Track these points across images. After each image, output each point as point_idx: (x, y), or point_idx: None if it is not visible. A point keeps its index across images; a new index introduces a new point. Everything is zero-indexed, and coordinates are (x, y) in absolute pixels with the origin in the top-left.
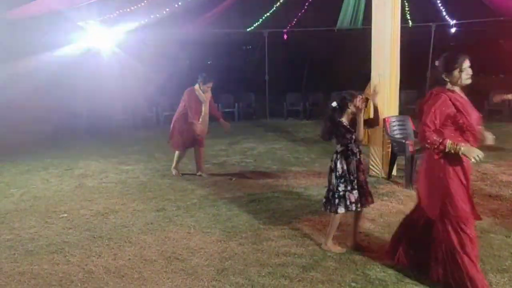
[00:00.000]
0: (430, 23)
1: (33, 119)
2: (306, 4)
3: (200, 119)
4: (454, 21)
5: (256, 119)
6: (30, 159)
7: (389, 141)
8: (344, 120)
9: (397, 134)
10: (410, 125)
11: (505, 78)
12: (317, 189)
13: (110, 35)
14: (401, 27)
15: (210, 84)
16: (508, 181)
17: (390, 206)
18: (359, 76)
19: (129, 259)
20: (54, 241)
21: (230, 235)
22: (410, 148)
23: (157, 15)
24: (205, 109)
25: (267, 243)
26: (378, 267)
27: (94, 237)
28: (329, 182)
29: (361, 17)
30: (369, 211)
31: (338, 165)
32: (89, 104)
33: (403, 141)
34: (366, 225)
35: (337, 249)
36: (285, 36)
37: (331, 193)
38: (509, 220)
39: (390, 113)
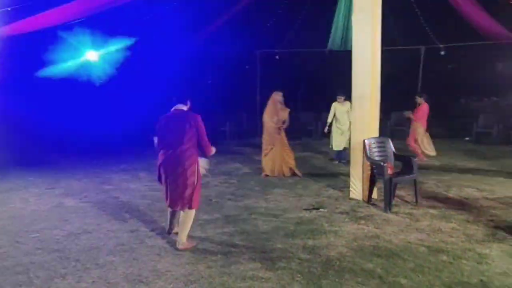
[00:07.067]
0: (420, 46)
1: (22, 135)
2: (297, 24)
3: None
4: (443, 45)
5: (246, 138)
6: (12, 177)
7: (369, 163)
8: None
9: (376, 156)
10: (391, 147)
11: (498, 101)
12: (295, 212)
13: (103, 53)
14: (389, 50)
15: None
16: (488, 206)
17: (366, 230)
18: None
19: (93, 282)
20: (21, 261)
21: (200, 257)
22: (389, 171)
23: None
24: None
25: (235, 266)
26: None
27: (61, 258)
28: None
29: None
30: (344, 234)
31: None
32: (82, 121)
33: (382, 163)
34: (338, 248)
35: None
36: (277, 56)
37: None
38: (483, 246)
39: (370, 135)
